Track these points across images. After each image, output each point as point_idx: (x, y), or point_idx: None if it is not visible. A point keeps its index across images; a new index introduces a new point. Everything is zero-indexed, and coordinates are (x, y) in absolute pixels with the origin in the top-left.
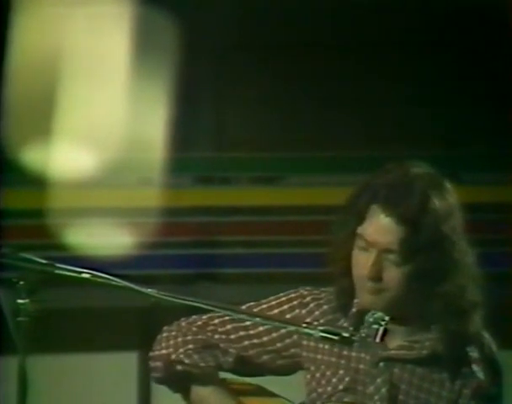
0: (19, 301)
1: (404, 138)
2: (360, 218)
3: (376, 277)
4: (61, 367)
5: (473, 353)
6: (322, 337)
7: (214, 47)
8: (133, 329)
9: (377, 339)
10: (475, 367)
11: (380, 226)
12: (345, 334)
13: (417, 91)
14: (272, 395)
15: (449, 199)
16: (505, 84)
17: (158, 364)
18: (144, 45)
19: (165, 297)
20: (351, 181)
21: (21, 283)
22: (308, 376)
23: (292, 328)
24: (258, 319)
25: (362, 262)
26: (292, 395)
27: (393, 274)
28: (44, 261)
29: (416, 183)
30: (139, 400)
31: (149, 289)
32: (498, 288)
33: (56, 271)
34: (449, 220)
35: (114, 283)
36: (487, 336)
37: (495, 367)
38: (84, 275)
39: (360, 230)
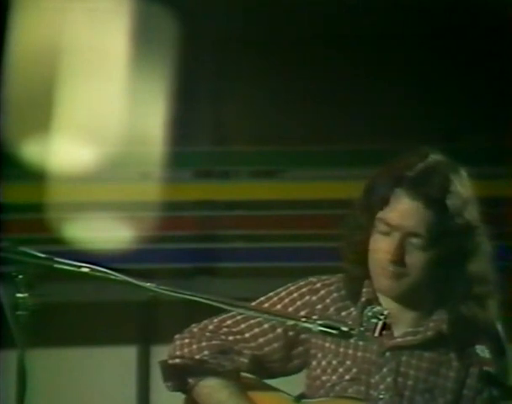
0: (18, 295)
1: (404, 132)
2: (382, 203)
3: (400, 261)
4: (60, 361)
5: (479, 333)
6: (321, 331)
7: (213, 42)
8: (132, 323)
9: (376, 333)
10: (481, 346)
11: (405, 210)
12: (344, 328)
13: (416, 85)
14: (270, 388)
15: (467, 186)
16: (504, 78)
17: (174, 372)
18: (143, 40)
19: (164, 291)
20: (351, 175)
21: (20, 277)
22: (314, 363)
23: (291, 322)
24: (255, 313)
25: (384, 246)
26: (290, 390)
27: (417, 259)
28: (43, 255)
29: (437, 167)
30: (138, 393)
31: (148, 283)
32: (499, 282)
33: (56, 265)
34: (469, 205)
35: (113, 277)
36: (495, 320)
37: (501, 347)
38: (83, 269)
39: (381, 214)
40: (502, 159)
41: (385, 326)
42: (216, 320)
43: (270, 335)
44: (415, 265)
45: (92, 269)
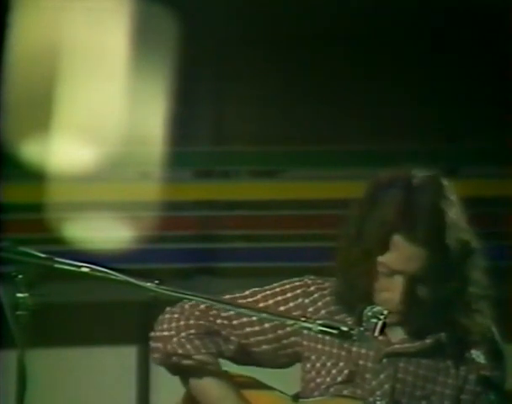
0: (18, 295)
1: (404, 132)
2: (382, 248)
3: (408, 301)
4: (60, 361)
5: (476, 339)
6: (320, 331)
7: (213, 42)
8: (132, 323)
9: (376, 333)
10: (477, 352)
11: (406, 255)
12: (344, 328)
13: (417, 86)
14: (267, 387)
15: (453, 201)
16: (504, 79)
17: (159, 345)
18: (143, 39)
19: (164, 291)
20: (351, 175)
21: (20, 277)
22: (308, 365)
23: (291, 322)
24: (256, 313)
25: (389, 287)
26: (286, 389)
27: (423, 294)
28: (43, 255)
29: (426, 195)
30: (138, 394)
31: (148, 283)
32: (498, 282)
33: (56, 265)
34: (461, 223)
35: (113, 277)
36: (491, 323)
37: (497, 351)
38: (83, 269)
39: (382, 258)
40: (502, 159)
41: (385, 326)
42: None
43: (257, 328)
44: (422, 299)
45: (92, 269)
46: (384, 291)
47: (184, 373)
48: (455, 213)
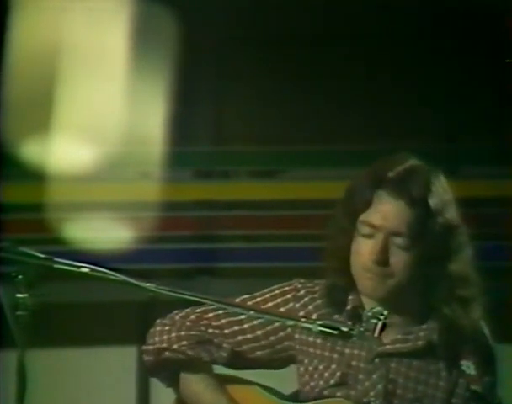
0: (18, 295)
1: (404, 132)
2: (365, 205)
3: (384, 261)
4: (59, 361)
5: (467, 342)
6: (321, 331)
7: (213, 42)
8: (132, 323)
9: (376, 334)
10: (467, 362)
11: (387, 210)
12: (344, 329)
13: (417, 85)
14: (246, 382)
15: (447, 189)
16: (505, 79)
17: (152, 357)
18: (143, 39)
19: (164, 291)
20: (351, 175)
21: (20, 277)
22: (302, 369)
23: (291, 322)
24: (256, 314)
25: (367, 249)
26: (283, 388)
27: (400, 259)
28: (43, 255)
29: (417, 169)
30: (138, 394)
31: (148, 284)
32: (498, 282)
33: (55, 265)
34: (450, 206)
35: (112, 277)
36: (482, 325)
37: (488, 356)
38: (83, 269)
39: (364, 216)
40: (502, 159)
41: (384, 327)
42: (198, 310)
43: (249, 335)
44: (399, 265)
45: (92, 269)
46: (361, 254)
47: (178, 384)
48: (444, 193)
